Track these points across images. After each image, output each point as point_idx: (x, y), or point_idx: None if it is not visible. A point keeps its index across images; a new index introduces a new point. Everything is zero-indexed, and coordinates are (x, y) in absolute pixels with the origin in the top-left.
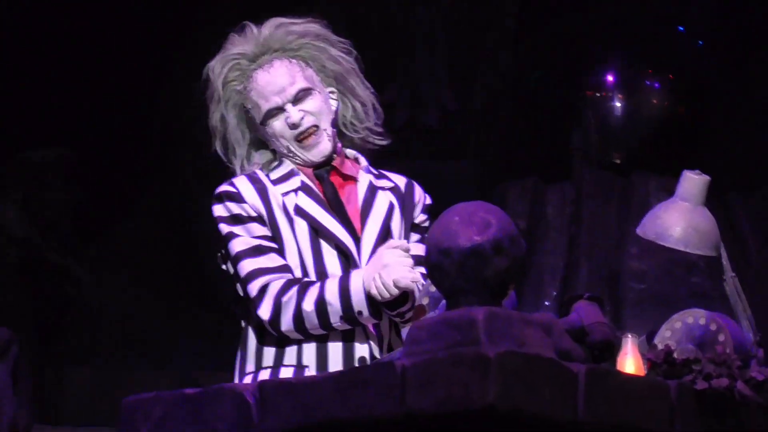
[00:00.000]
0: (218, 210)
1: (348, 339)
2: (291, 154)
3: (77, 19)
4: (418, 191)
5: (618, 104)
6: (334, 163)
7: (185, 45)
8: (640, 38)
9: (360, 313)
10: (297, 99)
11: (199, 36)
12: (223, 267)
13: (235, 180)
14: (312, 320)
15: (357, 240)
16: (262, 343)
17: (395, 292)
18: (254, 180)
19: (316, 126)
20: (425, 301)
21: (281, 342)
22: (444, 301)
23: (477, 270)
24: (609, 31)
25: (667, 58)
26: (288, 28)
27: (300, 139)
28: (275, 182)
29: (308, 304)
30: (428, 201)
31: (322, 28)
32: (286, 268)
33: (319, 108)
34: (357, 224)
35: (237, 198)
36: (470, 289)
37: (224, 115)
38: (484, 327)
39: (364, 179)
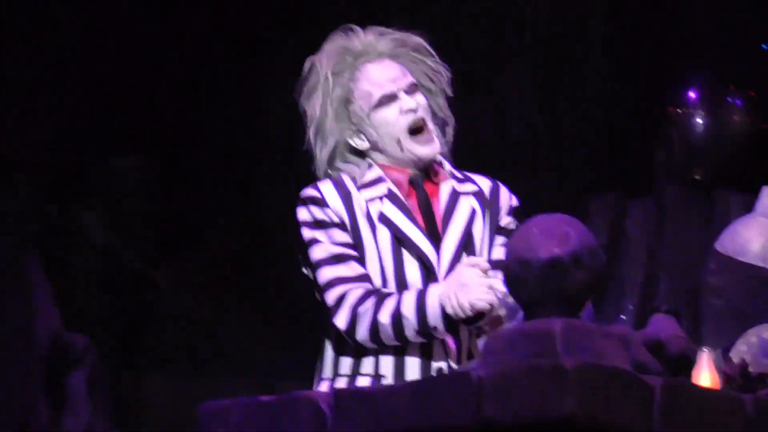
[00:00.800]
0: (302, 214)
1: (426, 349)
2: (396, 148)
3: (162, 28)
4: (504, 194)
5: (700, 121)
6: (425, 168)
7: (275, 56)
8: (721, 55)
9: (435, 328)
10: (409, 90)
11: (289, 48)
12: (304, 271)
13: (320, 184)
14: (387, 332)
15: (438, 247)
16: (339, 351)
17: (470, 313)
18: (339, 185)
19: (425, 121)
20: (502, 312)
21: (359, 351)
22: (521, 312)
23: (556, 282)
24: (691, 48)
25: (749, 75)
26: (392, 35)
27: (413, 131)
28: (361, 188)
29: (384, 317)
30: (515, 203)
31: (423, 42)
32: (365, 278)
33: (426, 107)
34: (439, 232)
35: (321, 202)
36: (548, 301)
37: (326, 105)
38: (562, 339)
39: (447, 185)
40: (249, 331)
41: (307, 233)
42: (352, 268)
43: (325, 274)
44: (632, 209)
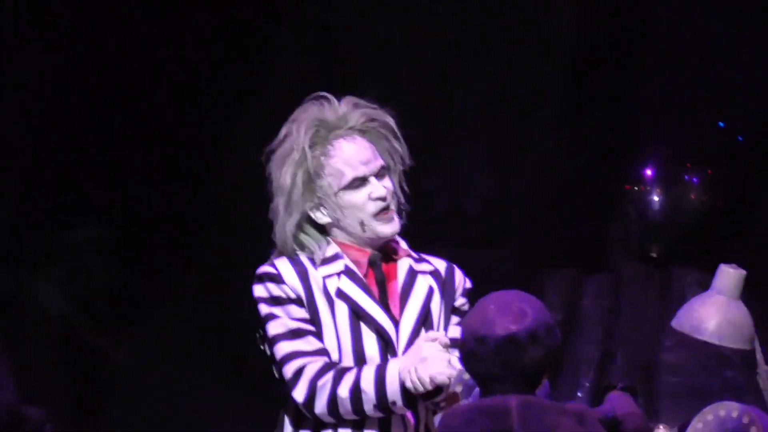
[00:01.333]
0: (258, 291)
1: (384, 424)
2: (358, 228)
3: (115, 99)
4: (458, 275)
5: (657, 198)
6: (383, 247)
7: (228, 127)
8: (679, 132)
9: (394, 403)
10: (379, 175)
11: (240, 118)
12: (262, 348)
13: (276, 261)
14: (346, 406)
15: (397, 324)
16: (298, 427)
17: (430, 387)
18: (295, 262)
19: (390, 205)
20: (458, 389)
21: (317, 426)
22: (477, 390)
23: (512, 358)
24: (649, 125)
25: (706, 153)
26: (363, 110)
27: (379, 213)
28: (318, 265)
29: (343, 390)
30: (468, 285)
31: (391, 122)
32: (322, 352)
33: (392, 192)
34: (396, 308)
35: (277, 279)
36: (505, 377)
37: (296, 177)
38: (518, 415)
39: (404, 263)
40: (207, 402)
41: (264, 309)
42: (309, 343)
43: (283, 348)
44: (588, 286)
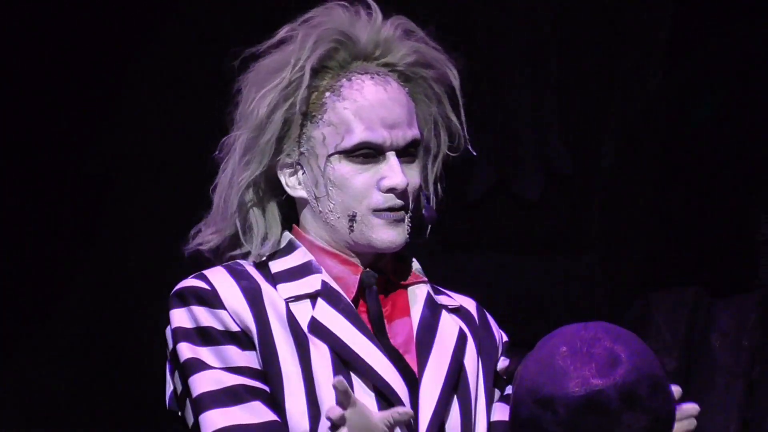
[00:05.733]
0: (179, 318)
1: None
2: (343, 223)
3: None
4: (493, 322)
5: None
6: (383, 264)
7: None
8: None
9: None
10: (405, 153)
11: (141, 77)
12: (179, 413)
13: (208, 272)
14: None
15: (411, 380)
16: None
17: None
18: (239, 275)
19: (405, 206)
20: None
21: None
22: None
23: (596, 431)
24: None
25: None
26: (417, 44)
27: (382, 210)
28: (277, 279)
29: None
30: (505, 338)
31: (454, 74)
32: (274, 428)
33: (418, 184)
34: (410, 357)
35: (210, 300)
36: None
37: (278, 106)
38: None
39: (420, 291)
40: None
41: (185, 350)
42: (254, 413)
43: (212, 420)
44: (720, 315)
